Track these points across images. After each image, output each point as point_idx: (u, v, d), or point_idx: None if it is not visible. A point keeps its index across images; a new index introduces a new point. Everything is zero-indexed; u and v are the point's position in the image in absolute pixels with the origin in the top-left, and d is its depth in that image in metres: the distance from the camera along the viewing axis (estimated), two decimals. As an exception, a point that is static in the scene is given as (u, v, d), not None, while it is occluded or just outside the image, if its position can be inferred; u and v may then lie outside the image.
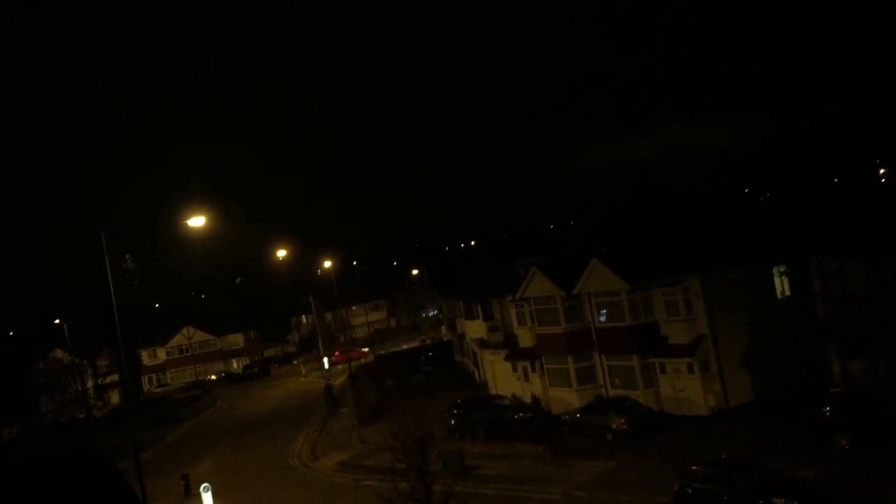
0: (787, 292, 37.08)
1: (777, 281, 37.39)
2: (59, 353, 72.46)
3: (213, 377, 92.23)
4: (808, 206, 34.90)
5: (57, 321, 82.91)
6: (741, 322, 35.40)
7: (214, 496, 33.90)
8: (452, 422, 39.68)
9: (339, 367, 71.20)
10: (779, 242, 36.41)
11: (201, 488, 33.68)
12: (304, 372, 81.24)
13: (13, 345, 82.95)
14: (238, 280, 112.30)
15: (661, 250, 38.16)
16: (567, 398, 39.23)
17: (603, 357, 38.67)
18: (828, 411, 28.20)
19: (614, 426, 33.53)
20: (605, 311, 38.19)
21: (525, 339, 42.59)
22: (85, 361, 69.65)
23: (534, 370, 41.93)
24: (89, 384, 70.28)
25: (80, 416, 63.90)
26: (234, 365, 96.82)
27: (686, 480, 23.90)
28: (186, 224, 26.17)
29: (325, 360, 66.83)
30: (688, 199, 56.77)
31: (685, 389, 35.18)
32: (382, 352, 75.58)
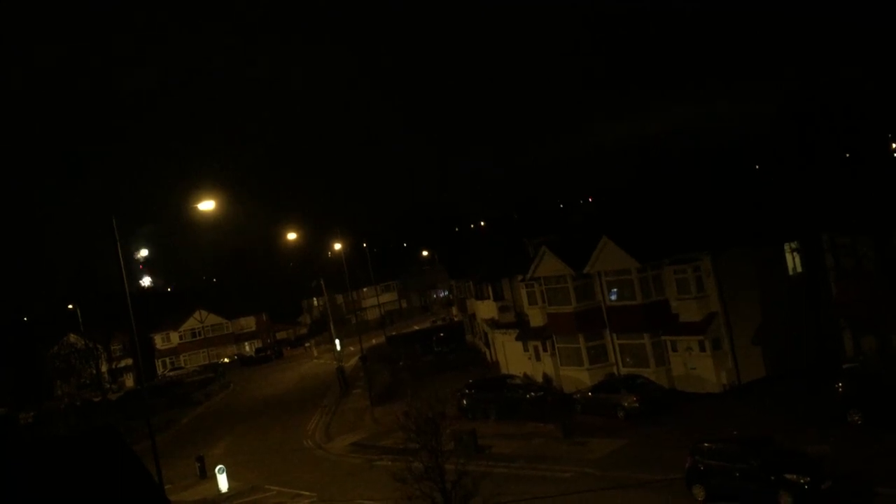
0: (799, 269, 36.89)
1: (789, 258, 37.22)
2: (72, 337, 73.09)
3: (226, 360, 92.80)
4: (819, 182, 34.56)
5: (70, 306, 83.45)
6: (753, 299, 35.29)
7: (229, 477, 34.30)
8: (464, 402, 39.82)
9: (352, 348, 71.46)
10: (790, 219, 36.18)
11: (216, 470, 34.06)
12: (316, 354, 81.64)
13: (27, 330, 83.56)
14: (249, 263, 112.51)
15: (672, 228, 37.96)
16: (578, 377, 39.29)
17: (614, 336, 38.65)
18: (840, 387, 28.14)
19: (626, 404, 33.60)
20: (615, 289, 38.12)
21: (536, 318, 42.60)
22: (99, 346, 70.27)
23: (545, 349, 41.98)
24: (103, 368, 70.93)
25: (95, 399, 64.59)
26: (247, 348, 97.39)
27: (698, 457, 23.95)
28: (196, 208, 26.26)
29: (337, 341, 67.08)
30: (698, 175, 56.41)
31: (697, 367, 35.16)
32: (394, 333, 75.80)
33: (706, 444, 24.19)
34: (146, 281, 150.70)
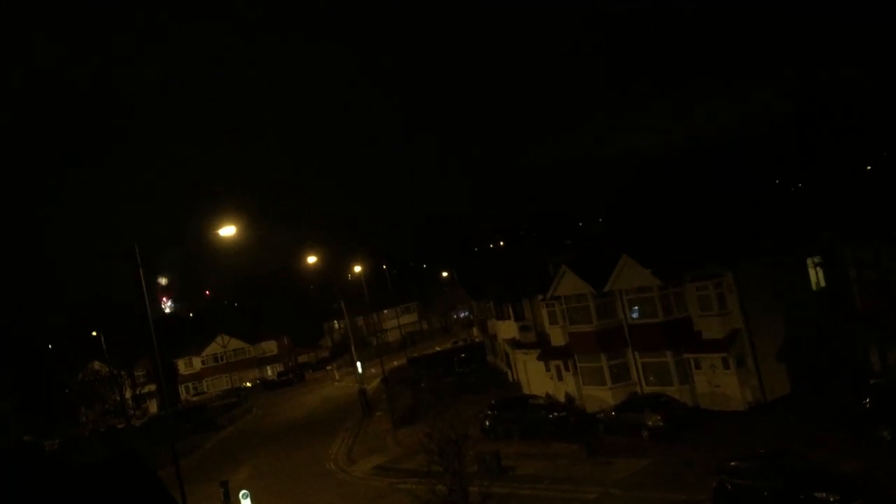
0: (823, 283, 36.58)
1: (811, 272, 36.90)
2: (96, 364, 73.60)
3: (249, 384, 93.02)
4: (838, 191, 34.35)
5: (94, 333, 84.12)
6: (776, 315, 34.96)
7: (253, 502, 34.25)
8: (487, 422, 39.66)
9: (373, 370, 71.44)
10: (812, 231, 35.92)
11: (240, 494, 34.03)
12: (337, 377, 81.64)
13: (52, 358, 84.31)
14: (269, 287, 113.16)
15: (692, 243, 37.77)
16: (601, 396, 39.03)
17: (636, 354, 38.42)
18: (868, 402, 27.77)
19: (650, 423, 33.30)
20: (637, 307, 37.94)
21: (557, 338, 42.44)
22: (122, 372, 70.72)
23: (567, 369, 41.78)
24: (127, 394, 71.32)
25: (120, 425, 64.89)
26: (269, 371, 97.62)
27: (725, 476, 23.68)
28: (217, 234, 26.48)
29: (359, 364, 67.10)
30: (715, 187, 56.22)
31: (721, 385, 34.83)
32: (415, 354, 75.70)
33: (732, 463, 23.93)
34: (168, 306, 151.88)
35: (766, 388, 34.17)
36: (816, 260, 36.52)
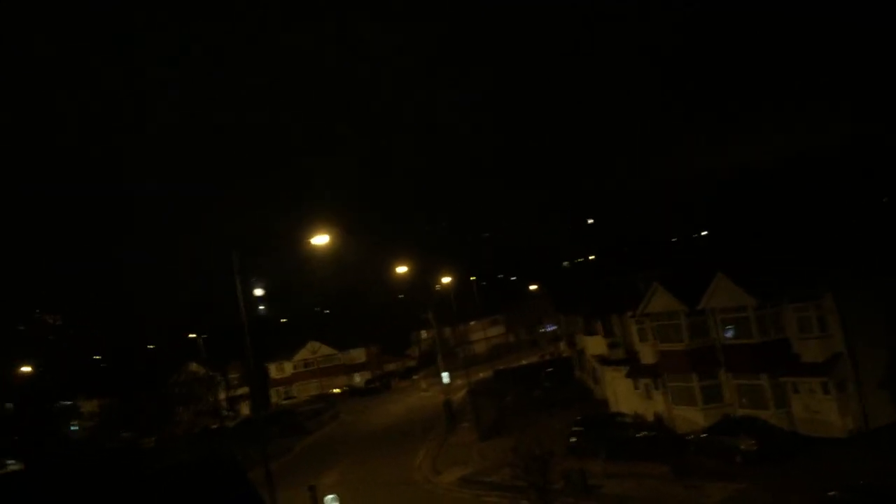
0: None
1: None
2: (193, 365, 76.31)
3: (337, 391, 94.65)
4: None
5: (192, 335, 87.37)
6: (881, 339, 33.25)
7: (340, 508, 34.73)
8: (573, 439, 39.18)
9: (459, 381, 71.65)
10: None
11: (328, 499, 34.57)
12: (424, 386, 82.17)
13: (153, 358, 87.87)
14: (360, 295, 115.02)
15: (792, 262, 36.42)
16: (692, 417, 38.03)
17: (729, 375, 37.27)
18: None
19: (743, 447, 32.20)
20: (731, 327, 36.84)
21: (647, 355, 41.63)
22: (218, 374, 73.11)
23: (656, 388, 40.93)
24: (221, 396, 73.66)
25: (213, 426, 67.01)
26: (357, 379, 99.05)
27: (823, 506, 22.72)
28: (310, 242, 27.16)
29: (445, 374, 67.36)
30: (813, 205, 54.17)
31: (820, 410, 33.43)
32: (501, 367, 75.53)
33: (832, 493, 22.93)
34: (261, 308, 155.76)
35: (869, 416, 32.59)
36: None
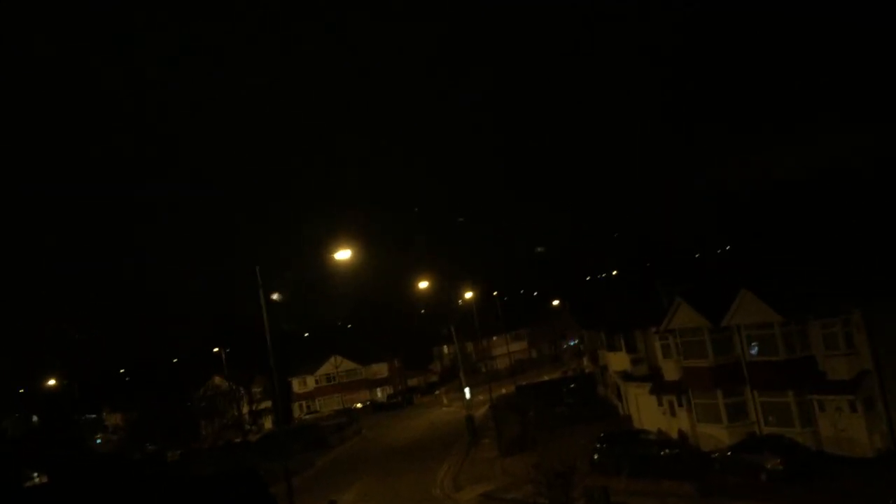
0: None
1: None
2: (217, 379, 76.76)
3: (359, 405, 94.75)
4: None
5: (216, 349, 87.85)
6: (910, 356, 32.84)
7: (361, 523, 34.77)
8: (596, 456, 38.89)
9: (481, 397, 71.47)
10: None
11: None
12: (446, 402, 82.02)
13: (177, 372, 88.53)
14: (382, 310, 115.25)
15: (818, 278, 36.03)
16: (716, 435, 37.64)
17: (755, 392, 36.88)
18: None
19: (769, 466, 31.81)
20: (756, 343, 36.48)
21: (670, 372, 41.31)
22: (241, 388, 73.47)
23: (680, 405, 40.57)
24: (245, 410, 74.01)
25: (236, 440, 67.33)
26: (379, 394, 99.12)
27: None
28: (333, 257, 27.33)
29: (467, 390, 67.20)
30: (837, 220, 53.52)
31: (847, 429, 32.96)
32: (524, 382, 75.23)
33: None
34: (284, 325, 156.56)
35: (898, 435, 32.11)
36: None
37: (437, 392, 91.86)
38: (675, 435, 40.49)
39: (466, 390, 66.49)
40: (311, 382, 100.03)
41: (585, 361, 72.59)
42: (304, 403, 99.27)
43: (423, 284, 78.57)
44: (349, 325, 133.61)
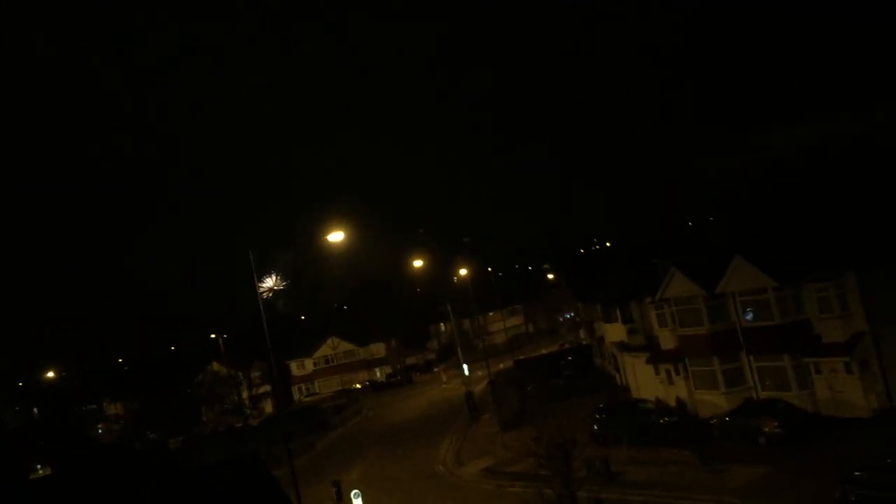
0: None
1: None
2: (216, 366, 76.91)
3: (359, 386, 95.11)
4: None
5: (213, 335, 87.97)
6: (904, 317, 33.05)
7: (365, 502, 35.02)
8: (595, 427, 39.16)
9: (480, 373, 71.81)
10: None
11: (352, 494, 34.86)
12: (444, 379, 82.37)
13: (175, 359, 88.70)
14: (378, 290, 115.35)
15: (810, 242, 36.18)
16: (714, 401, 37.91)
17: (751, 358, 37.10)
18: None
19: (767, 430, 32.10)
20: (751, 309, 36.65)
21: (667, 341, 41.51)
22: (240, 373, 73.63)
23: (678, 373, 40.80)
24: (244, 395, 74.22)
25: (237, 425, 67.58)
26: (378, 374, 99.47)
27: (849, 486, 22.61)
28: (326, 239, 27.29)
29: (465, 366, 67.49)
30: (832, 186, 53.61)
31: (843, 390, 33.21)
32: (521, 357, 75.54)
33: (857, 473, 22.80)
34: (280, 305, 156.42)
35: (893, 395, 32.34)
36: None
37: (435, 370, 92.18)
38: (673, 403, 40.77)
39: (465, 367, 66.85)
40: (309, 365, 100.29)
41: (582, 334, 72.90)
42: (303, 386, 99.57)
43: (419, 263, 78.72)
44: (345, 307, 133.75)
